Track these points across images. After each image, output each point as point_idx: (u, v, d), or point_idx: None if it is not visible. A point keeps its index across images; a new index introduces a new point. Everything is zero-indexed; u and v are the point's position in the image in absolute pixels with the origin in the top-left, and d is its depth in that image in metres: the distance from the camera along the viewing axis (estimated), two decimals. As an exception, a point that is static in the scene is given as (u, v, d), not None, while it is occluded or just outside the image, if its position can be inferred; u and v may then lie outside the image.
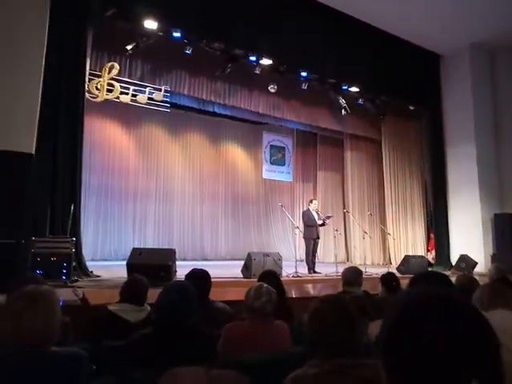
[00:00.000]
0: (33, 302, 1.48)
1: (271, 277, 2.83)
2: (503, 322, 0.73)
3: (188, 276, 2.66)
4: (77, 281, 4.96)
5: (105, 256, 9.25)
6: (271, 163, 11.91)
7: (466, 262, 8.58)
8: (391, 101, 9.88)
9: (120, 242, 9.60)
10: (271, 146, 11.96)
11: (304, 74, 8.39)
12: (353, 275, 3.32)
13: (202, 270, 2.72)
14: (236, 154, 11.67)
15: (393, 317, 0.63)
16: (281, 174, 12.06)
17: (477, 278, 6.80)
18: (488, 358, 0.57)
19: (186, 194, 10.71)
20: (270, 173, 11.88)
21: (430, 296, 0.63)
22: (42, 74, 5.32)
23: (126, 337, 1.99)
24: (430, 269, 8.71)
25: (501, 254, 8.86)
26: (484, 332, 0.58)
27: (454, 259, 9.32)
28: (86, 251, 7.33)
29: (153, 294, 2.44)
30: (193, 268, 2.78)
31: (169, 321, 1.71)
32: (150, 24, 6.51)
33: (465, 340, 0.57)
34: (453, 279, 3.09)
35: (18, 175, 4.47)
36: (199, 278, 2.61)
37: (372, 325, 2.11)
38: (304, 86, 8.62)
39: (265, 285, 2.23)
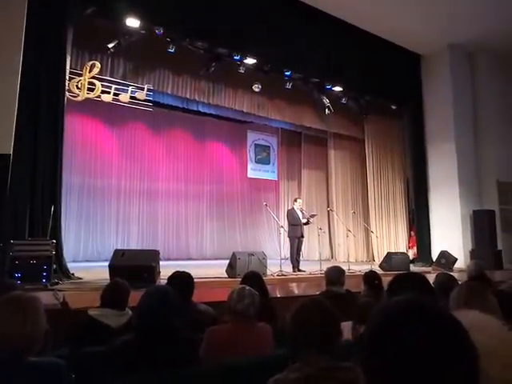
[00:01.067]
0: (21, 307, 1.46)
1: (254, 278, 2.83)
2: (473, 322, 0.76)
3: (170, 279, 2.64)
4: (57, 283, 4.87)
5: (87, 257, 9.11)
6: (256, 162, 11.92)
7: (446, 258, 8.78)
8: (374, 100, 10.02)
9: (103, 242, 9.47)
10: (256, 144, 11.96)
11: (288, 73, 8.42)
12: (335, 274, 3.36)
13: (184, 272, 2.71)
14: (221, 152, 11.63)
15: (375, 322, 0.64)
16: (266, 173, 12.08)
17: (456, 274, 6.99)
18: (464, 364, 0.59)
19: (170, 193, 10.63)
20: (254, 172, 11.89)
21: (411, 303, 0.65)
22: (20, 74, 5.18)
23: (107, 342, 1.96)
24: (411, 265, 8.89)
25: (479, 250, 9.12)
26: (460, 338, 0.60)
27: (434, 255, 9.53)
28: (68, 252, 7.21)
29: (135, 297, 2.42)
30: (175, 270, 2.75)
31: (150, 327, 1.70)
32: (132, 22, 6.43)
33: (442, 346, 0.58)
34: (433, 276, 3.18)
35: (-5, 177, 4.35)
36: (181, 280, 2.59)
37: (344, 325, 2.14)
38: (288, 86, 8.66)
39: (247, 287, 2.23)
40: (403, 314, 0.62)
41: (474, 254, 9.05)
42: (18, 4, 5.27)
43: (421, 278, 1.70)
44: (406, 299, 0.66)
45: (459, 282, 3.11)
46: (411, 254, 10.19)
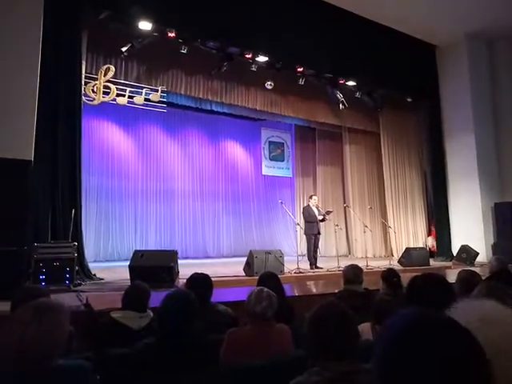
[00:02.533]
0: (38, 315, 1.50)
1: (271, 279, 2.84)
2: (483, 312, 0.75)
3: (189, 281, 2.68)
4: (80, 284, 4.99)
5: (107, 257, 9.31)
6: (270, 159, 11.91)
7: (467, 253, 8.61)
8: (388, 93, 9.86)
9: (122, 242, 9.65)
10: (270, 142, 11.95)
11: (300, 69, 8.36)
12: (353, 273, 3.33)
13: (202, 274, 2.74)
14: (235, 151, 11.67)
15: (386, 343, 0.64)
16: (280, 170, 12.06)
17: (478, 268, 6.85)
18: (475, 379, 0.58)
19: (186, 192, 10.74)
20: (269, 169, 11.88)
21: (423, 320, 0.64)
22: (38, 80, 5.31)
23: (129, 344, 2.02)
24: (431, 260, 8.75)
25: (501, 244, 8.89)
26: (476, 357, 0.60)
27: (454, 249, 9.35)
28: (89, 253, 7.39)
29: (156, 297, 2.47)
30: (194, 272, 2.79)
31: (171, 331, 1.74)
32: (145, 25, 6.49)
33: (457, 365, 0.58)
34: (455, 271, 3.11)
35: (18, 182, 4.48)
36: (200, 282, 2.63)
37: (363, 326, 2.13)
38: (301, 82, 8.60)
39: (265, 289, 2.24)
40: (416, 334, 0.62)
41: (495, 248, 8.84)
42: (34, 12, 5.38)
43: (440, 278, 1.68)
44: (415, 316, 0.65)
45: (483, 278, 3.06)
46: (430, 242, 10.06)
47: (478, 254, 8.56)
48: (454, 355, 0.58)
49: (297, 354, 1.94)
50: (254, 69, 7.95)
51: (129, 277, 4.87)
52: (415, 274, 1.98)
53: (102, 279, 5.56)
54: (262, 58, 7.75)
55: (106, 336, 2.36)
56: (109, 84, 6.97)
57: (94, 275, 5.65)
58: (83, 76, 6.25)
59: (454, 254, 9.14)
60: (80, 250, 5.50)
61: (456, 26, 9.25)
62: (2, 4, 5.16)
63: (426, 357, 0.58)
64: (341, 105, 9.10)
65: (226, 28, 7.09)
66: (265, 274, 2.99)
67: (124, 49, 6.69)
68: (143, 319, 2.40)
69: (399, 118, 10.61)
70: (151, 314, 2.47)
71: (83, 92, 6.33)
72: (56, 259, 4.69)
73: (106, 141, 9.70)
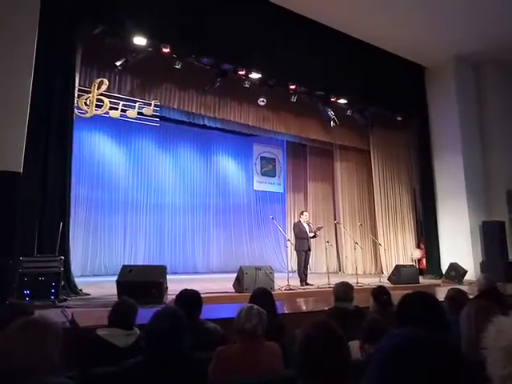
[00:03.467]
0: (27, 331, 1.47)
1: (264, 296, 2.82)
2: None
3: (178, 297, 2.64)
4: (65, 300, 4.87)
5: (95, 271, 9.14)
6: (262, 174, 11.96)
7: (456, 271, 8.66)
8: (379, 112, 10.04)
9: (110, 256, 9.51)
10: (262, 157, 12.02)
11: (293, 87, 8.49)
12: (343, 291, 3.32)
13: (192, 290, 2.71)
14: (227, 165, 11.70)
15: (379, 364, 0.64)
16: (271, 185, 12.11)
17: (466, 286, 6.88)
18: None
19: (176, 206, 10.68)
20: (260, 184, 11.92)
21: (416, 341, 0.64)
22: (31, 92, 5.30)
23: (115, 362, 1.96)
24: (420, 277, 8.77)
25: (490, 262, 8.99)
26: (469, 377, 0.60)
27: (444, 267, 9.40)
28: (76, 267, 7.25)
29: (143, 314, 2.42)
30: (183, 289, 2.75)
31: (159, 349, 1.70)
32: (140, 40, 6.56)
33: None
34: (444, 289, 3.13)
35: (6, 194, 4.41)
36: (190, 299, 2.59)
37: (352, 344, 2.12)
38: (293, 99, 8.73)
39: (255, 306, 2.22)
40: (410, 356, 0.62)
41: (484, 266, 8.93)
42: (29, 23, 5.40)
43: (430, 297, 1.68)
44: (405, 338, 0.65)
45: (470, 297, 3.09)
46: (417, 253, 10.13)
47: (466, 272, 8.61)
48: (447, 375, 0.58)
49: (287, 374, 1.91)
50: (247, 85, 8.06)
51: (116, 292, 4.78)
52: (405, 291, 1.98)
53: (89, 295, 5.44)
54: (255, 75, 7.87)
55: (92, 354, 2.30)
56: (102, 97, 6.99)
57: (80, 290, 5.53)
58: (76, 89, 6.26)
59: (444, 272, 9.19)
60: (67, 264, 5.39)
61: (444, 49, 9.54)
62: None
63: (419, 377, 0.58)
64: (332, 122, 9.23)
65: (220, 45, 7.20)
66: (258, 290, 2.96)
67: (118, 63, 6.73)
68: (130, 337, 2.35)
69: (389, 136, 10.79)
70: (138, 331, 2.41)
71: (76, 105, 6.32)
72: (42, 274, 4.59)
73: (98, 153, 9.65)
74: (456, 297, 2.94)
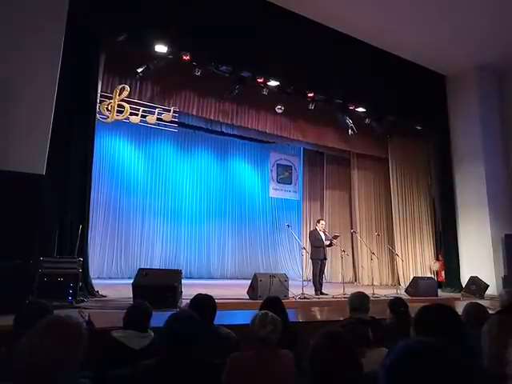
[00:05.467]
0: (52, 329, 1.49)
1: (274, 304, 2.80)
2: None
3: (193, 302, 2.64)
4: (83, 301, 4.96)
5: (111, 274, 9.28)
6: (278, 182, 11.95)
7: (477, 285, 8.39)
8: (398, 121, 9.92)
9: (127, 259, 9.64)
10: (278, 164, 12.02)
11: (311, 94, 8.49)
12: (359, 301, 3.26)
13: (206, 295, 2.71)
14: (243, 172, 11.75)
15: (387, 369, 0.63)
16: (288, 193, 12.08)
17: (488, 301, 6.65)
18: None
19: (193, 211, 10.78)
20: (277, 191, 11.91)
21: (422, 348, 0.64)
22: (55, 97, 5.46)
23: (130, 364, 1.98)
24: (439, 290, 8.55)
25: (512, 276, 8.69)
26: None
27: (463, 280, 9.14)
28: (93, 269, 7.37)
29: (158, 317, 2.44)
30: (198, 293, 2.76)
31: (172, 353, 1.71)
32: (161, 48, 6.70)
33: None
34: (464, 304, 3.03)
35: (29, 196, 4.53)
36: (204, 304, 2.59)
37: (372, 353, 2.07)
38: (311, 107, 8.72)
39: (270, 313, 2.21)
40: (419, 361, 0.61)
41: (506, 281, 8.62)
42: (56, 30, 5.58)
43: (449, 311, 1.63)
44: (411, 345, 0.65)
45: (490, 312, 2.97)
46: (436, 266, 9.89)
47: (487, 286, 8.34)
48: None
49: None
50: (265, 92, 8.10)
51: (132, 295, 4.84)
52: (423, 304, 1.93)
53: (105, 296, 5.52)
54: (273, 83, 7.91)
55: (106, 355, 2.32)
56: (123, 103, 7.14)
57: (97, 292, 5.62)
58: (99, 95, 6.42)
59: (463, 285, 8.93)
60: (85, 265, 5.49)
61: (466, 57, 9.39)
62: (28, 23, 5.36)
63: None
64: (350, 130, 9.17)
65: (240, 53, 7.29)
66: (268, 298, 2.94)
67: (139, 70, 6.88)
68: (144, 339, 2.36)
69: (408, 145, 10.64)
70: (152, 334, 2.43)
71: (97, 110, 6.48)
72: (60, 274, 4.68)
73: (117, 157, 9.86)
74: (475, 313, 2.84)
